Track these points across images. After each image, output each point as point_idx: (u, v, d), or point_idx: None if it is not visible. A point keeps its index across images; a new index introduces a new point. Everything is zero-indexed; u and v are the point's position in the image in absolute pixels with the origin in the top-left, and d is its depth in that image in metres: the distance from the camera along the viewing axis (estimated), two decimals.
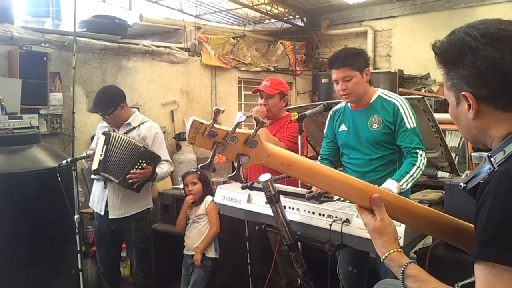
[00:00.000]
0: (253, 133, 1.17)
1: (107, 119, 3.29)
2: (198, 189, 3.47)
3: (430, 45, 1.14)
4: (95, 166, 3.17)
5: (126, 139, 3.20)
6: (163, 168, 3.34)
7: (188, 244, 3.45)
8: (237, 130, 1.15)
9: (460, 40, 1.05)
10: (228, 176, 1.32)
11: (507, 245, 0.89)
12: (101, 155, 3.15)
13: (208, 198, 3.44)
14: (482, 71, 1.01)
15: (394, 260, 1.18)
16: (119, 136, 3.20)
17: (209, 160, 1.19)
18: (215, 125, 1.13)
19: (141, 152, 3.18)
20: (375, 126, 2.66)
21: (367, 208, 1.25)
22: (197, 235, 3.41)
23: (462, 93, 1.06)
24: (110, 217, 3.27)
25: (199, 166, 1.24)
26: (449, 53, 1.07)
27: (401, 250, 1.21)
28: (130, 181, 3.14)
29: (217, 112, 1.15)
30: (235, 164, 1.22)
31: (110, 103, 3.26)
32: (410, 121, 2.61)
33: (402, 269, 1.15)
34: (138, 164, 3.16)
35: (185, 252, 3.48)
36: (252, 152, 1.18)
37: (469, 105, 1.06)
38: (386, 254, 1.20)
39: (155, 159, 3.24)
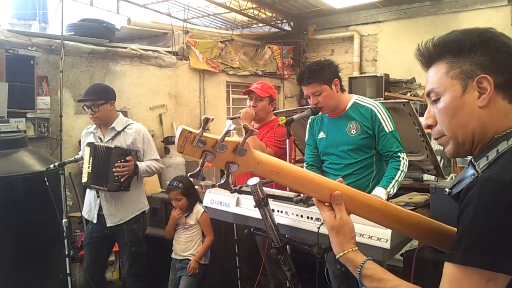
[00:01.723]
0: (242, 141, 1.17)
1: (94, 112, 3.26)
2: (183, 204, 3.44)
3: (416, 47, 1.15)
4: (84, 179, 3.18)
5: (106, 146, 3.21)
6: (150, 163, 3.34)
7: (177, 249, 3.44)
8: (226, 138, 1.15)
9: (479, 29, 1.07)
10: (217, 184, 1.33)
11: (491, 250, 0.91)
12: (88, 167, 3.16)
13: (200, 208, 3.41)
14: (503, 58, 1.04)
15: (349, 260, 1.19)
16: (102, 146, 3.21)
17: (198, 168, 1.19)
18: (204, 134, 1.14)
19: (115, 152, 3.18)
20: (353, 132, 2.75)
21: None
22: (187, 242, 3.41)
23: (480, 76, 1.04)
24: (108, 225, 3.26)
25: (188, 174, 1.25)
26: (465, 40, 1.07)
27: (357, 249, 1.21)
28: (115, 174, 3.12)
29: (206, 121, 1.15)
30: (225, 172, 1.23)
31: (102, 94, 3.29)
32: (388, 124, 2.71)
33: (359, 269, 1.15)
34: (118, 163, 3.16)
35: (173, 256, 3.48)
36: (241, 160, 1.19)
37: (480, 93, 1.05)
38: (340, 254, 1.20)
39: (131, 153, 3.24)
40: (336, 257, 1.22)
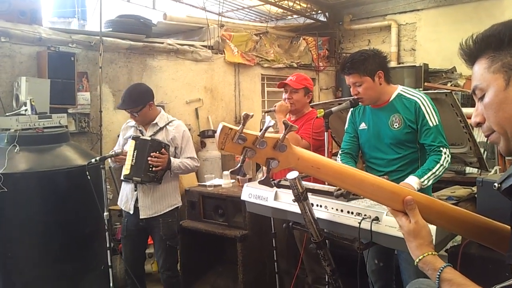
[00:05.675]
0: (282, 137, 1.17)
1: (134, 116, 3.30)
2: None
3: (458, 38, 1.10)
4: (126, 171, 3.20)
5: (144, 139, 3.24)
6: (184, 161, 3.35)
7: None
8: (266, 134, 1.15)
9: None
10: (258, 181, 1.33)
11: None
12: (132, 160, 3.18)
13: None
14: None
15: (429, 264, 1.18)
16: (143, 139, 3.24)
17: (239, 165, 1.20)
18: (244, 130, 1.14)
19: (151, 144, 3.20)
20: (396, 125, 2.62)
21: (400, 211, 1.24)
22: None
23: None
24: (141, 217, 3.30)
25: (229, 171, 1.25)
26: (504, 33, 1.03)
27: (436, 253, 1.20)
28: (149, 163, 3.13)
29: (246, 118, 1.15)
30: (264, 169, 1.22)
31: (139, 100, 3.27)
32: (432, 118, 2.56)
33: (438, 273, 1.14)
34: (153, 154, 3.17)
35: None
36: (282, 156, 1.18)
37: None
38: (420, 257, 1.19)
39: (166, 147, 3.24)
40: (415, 261, 1.21)
